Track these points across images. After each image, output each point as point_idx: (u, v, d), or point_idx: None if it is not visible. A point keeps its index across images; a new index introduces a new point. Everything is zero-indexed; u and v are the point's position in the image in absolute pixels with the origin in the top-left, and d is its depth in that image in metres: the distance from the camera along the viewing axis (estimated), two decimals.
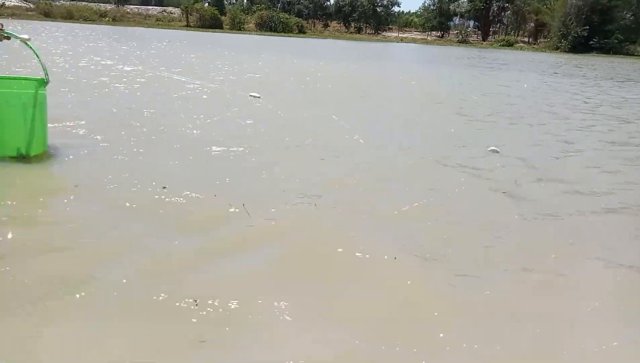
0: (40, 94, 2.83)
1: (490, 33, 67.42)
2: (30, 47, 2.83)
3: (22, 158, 2.74)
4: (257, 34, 53.03)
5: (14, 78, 2.76)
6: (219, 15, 61.64)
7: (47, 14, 48.47)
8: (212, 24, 57.67)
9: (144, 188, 2.44)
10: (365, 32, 73.44)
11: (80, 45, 14.72)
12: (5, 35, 2.80)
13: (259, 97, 3.28)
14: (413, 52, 31.39)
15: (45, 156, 2.85)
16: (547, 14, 57.38)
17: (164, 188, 2.39)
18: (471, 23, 73.30)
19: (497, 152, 4.15)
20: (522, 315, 1.74)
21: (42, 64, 2.85)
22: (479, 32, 68.14)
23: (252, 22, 63.63)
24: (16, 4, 54.57)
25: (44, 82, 2.84)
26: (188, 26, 56.56)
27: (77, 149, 3.04)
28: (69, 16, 49.58)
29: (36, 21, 39.97)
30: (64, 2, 62.94)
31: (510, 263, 2.12)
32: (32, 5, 53.94)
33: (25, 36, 2.76)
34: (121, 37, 22.06)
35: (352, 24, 75.24)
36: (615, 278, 2.11)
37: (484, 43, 62.65)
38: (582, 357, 1.60)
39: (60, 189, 2.47)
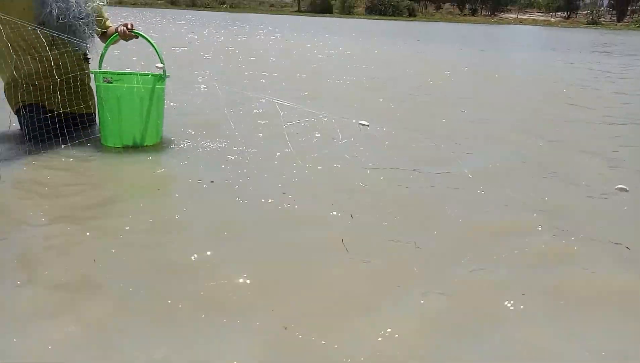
0: (158, 88, 2.86)
1: (628, 12, 59.79)
2: (153, 46, 2.89)
3: (137, 147, 2.80)
4: (366, 18, 52.60)
5: (134, 74, 2.82)
6: (330, 1, 62.22)
7: (173, 2, 52.58)
8: (322, 8, 58.37)
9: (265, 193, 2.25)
10: (481, 14, 69.34)
11: (203, 35, 15.54)
12: (135, 34, 2.87)
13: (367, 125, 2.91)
14: (548, 36, 28.27)
15: (159, 146, 2.89)
16: None
17: (284, 193, 2.21)
18: (605, 1, 65.64)
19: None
20: None
21: (161, 59, 2.87)
22: (614, 11, 60.76)
23: (362, 5, 63.30)
24: None
25: (161, 78, 2.86)
26: (299, 11, 57.80)
27: (192, 142, 3.05)
28: (192, 4, 53.31)
29: (162, 9, 43.48)
30: None
31: None
32: None
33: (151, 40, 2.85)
34: (234, 24, 23.02)
35: (467, 5, 71.39)
36: None
37: (619, 24, 55.73)
38: None
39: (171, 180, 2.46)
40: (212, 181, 2.40)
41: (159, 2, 52.76)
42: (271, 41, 13.34)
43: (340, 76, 6.67)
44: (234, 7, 55.05)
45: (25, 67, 2.75)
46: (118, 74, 2.78)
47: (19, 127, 2.90)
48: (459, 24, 49.02)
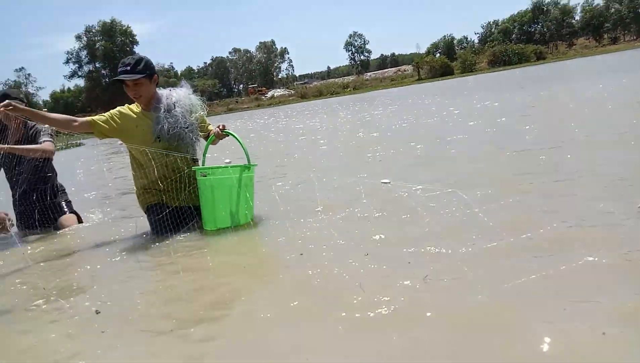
0: (246, 176, 3.32)
1: None
2: (240, 142, 3.36)
3: (230, 227, 3.23)
4: (489, 72, 51.40)
5: (225, 166, 3.34)
6: (449, 63, 62.45)
7: (303, 96, 57.84)
8: (442, 72, 58.73)
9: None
10: (623, 41, 62.92)
11: (304, 120, 16.78)
12: (226, 133, 3.40)
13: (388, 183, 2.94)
14: None
15: (251, 225, 3.28)
16: None
17: (366, 254, 2.39)
18: None
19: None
20: None
21: (245, 151, 3.36)
22: None
23: (484, 60, 62.26)
24: (281, 93, 67.20)
25: (247, 167, 3.32)
26: (420, 80, 58.89)
27: (280, 220, 3.37)
28: (319, 94, 58.01)
29: (294, 104, 47.99)
30: (316, 83, 74.25)
31: None
32: (292, 92, 65.46)
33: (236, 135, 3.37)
34: (352, 105, 24.28)
35: (605, 35, 65.60)
36: None
37: None
38: None
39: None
40: (301, 254, 2.57)
41: (290, 98, 58.59)
42: (389, 115, 13.76)
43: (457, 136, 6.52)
44: (357, 89, 58.43)
45: (149, 176, 3.43)
46: (212, 168, 3.31)
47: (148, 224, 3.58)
48: (599, 55, 45.00)
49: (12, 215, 3.99)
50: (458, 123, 8.26)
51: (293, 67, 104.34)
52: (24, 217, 3.99)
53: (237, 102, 63.15)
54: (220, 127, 3.41)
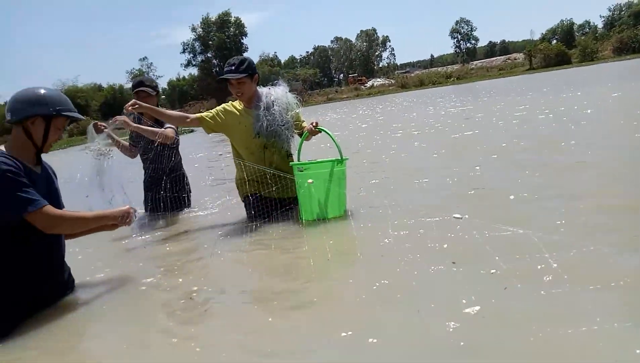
0: (338, 170, 3.44)
1: None
2: (332, 138, 3.52)
3: (322, 219, 3.41)
4: (613, 61, 46.29)
5: (320, 161, 3.49)
6: (566, 50, 57.25)
7: (404, 86, 56.73)
8: (558, 61, 53.98)
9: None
10: None
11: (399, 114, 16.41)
12: (319, 130, 3.58)
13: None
14: None
15: (342, 218, 3.44)
16: None
17: (453, 262, 2.39)
18: None
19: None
20: None
21: (337, 146, 3.47)
22: None
23: (608, 48, 56.18)
24: (381, 82, 66.57)
25: (340, 161, 3.44)
26: (531, 69, 54.79)
27: (372, 216, 3.43)
28: (420, 83, 56.50)
29: (394, 94, 47.28)
30: (417, 73, 72.45)
31: None
32: (392, 81, 64.53)
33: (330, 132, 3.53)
34: (454, 97, 23.33)
35: None
36: None
37: None
38: None
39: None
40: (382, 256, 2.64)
41: (390, 88, 57.83)
42: (497, 108, 13.10)
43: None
44: (460, 79, 55.95)
45: (248, 168, 3.70)
46: (307, 163, 3.50)
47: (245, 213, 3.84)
48: None
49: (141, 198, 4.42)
50: (580, 121, 7.56)
51: (394, 56, 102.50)
52: (148, 200, 4.37)
53: (336, 91, 63.83)
54: (314, 124, 3.58)
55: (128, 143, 4.41)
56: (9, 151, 2.29)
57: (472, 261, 2.32)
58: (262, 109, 3.63)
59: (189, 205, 4.53)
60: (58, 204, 2.48)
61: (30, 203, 2.19)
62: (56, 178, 2.60)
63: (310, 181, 3.38)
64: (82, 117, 2.64)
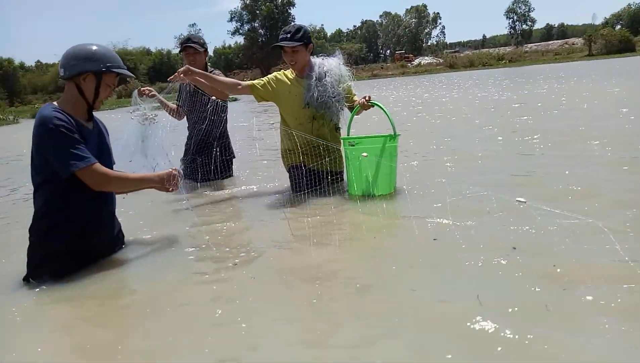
0: (390, 146, 3.32)
1: None
2: (386, 113, 3.37)
3: (370, 196, 3.32)
4: None
5: (371, 136, 3.39)
6: (631, 37, 53.73)
7: (452, 66, 54.94)
8: (620, 48, 50.78)
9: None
10: None
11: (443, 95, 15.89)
12: (372, 104, 3.46)
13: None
14: None
15: (391, 195, 3.35)
16: None
17: (514, 248, 2.25)
18: None
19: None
20: None
21: (391, 121, 3.35)
22: None
23: None
24: (429, 61, 64.76)
25: (392, 137, 3.32)
26: (590, 55, 51.87)
27: (425, 195, 3.31)
28: (470, 64, 54.55)
29: (441, 73, 45.97)
30: (467, 53, 69.99)
31: None
32: (440, 60, 62.64)
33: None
34: (504, 80, 22.45)
35: None
36: None
37: None
38: None
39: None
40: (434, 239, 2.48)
41: (437, 67, 56.19)
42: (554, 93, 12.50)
43: None
44: (513, 62, 53.64)
45: (295, 138, 3.61)
46: (359, 138, 3.41)
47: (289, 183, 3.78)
48: None
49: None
50: None
51: (445, 34, 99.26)
52: (198, 165, 4.19)
53: (382, 68, 62.62)
54: (367, 98, 3.47)
55: (175, 105, 4.37)
56: (62, 107, 2.31)
57: (533, 251, 2.16)
58: (313, 79, 3.54)
59: (231, 172, 4.52)
60: (109, 160, 2.49)
61: (80, 159, 2.21)
62: (108, 135, 2.61)
63: (364, 154, 3.28)
64: (131, 74, 2.62)
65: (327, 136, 3.64)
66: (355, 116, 3.57)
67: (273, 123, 7.43)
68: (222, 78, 3.75)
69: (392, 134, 3.33)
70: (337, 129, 3.73)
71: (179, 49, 4.32)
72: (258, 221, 3.16)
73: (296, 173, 3.64)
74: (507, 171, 4.04)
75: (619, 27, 67.25)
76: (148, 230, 3.03)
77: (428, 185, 3.56)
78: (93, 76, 2.31)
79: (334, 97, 3.54)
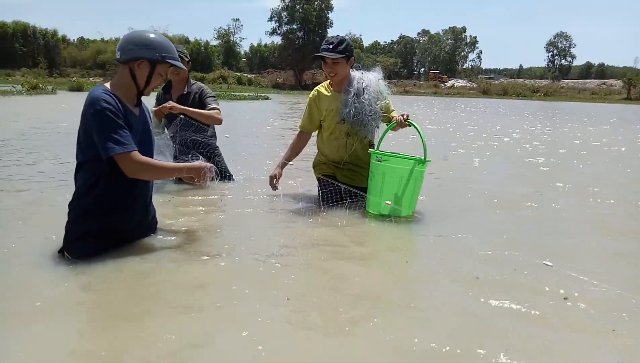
0: (417, 170, 3.28)
1: None
2: (421, 135, 3.31)
3: (390, 216, 3.30)
4: None
5: (401, 156, 3.35)
6: None
7: (485, 92, 54.43)
8: None
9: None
10: None
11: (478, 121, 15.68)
12: (409, 123, 3.41)
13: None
14: None
15: (411, 219, 3.33)
16: None
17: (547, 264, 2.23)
18: None
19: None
20: None
21: (424, 145, 3.30)
22: None
23: None
24: (462, 84, 64.25)
25: (422, 161, 3.30)
26: (628, 99, 50.78)
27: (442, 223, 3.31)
28: (503, 93, 53.94)
29: (473, 98, 45.55)
30: (502, 81, 69.23)
31: None
32: (474, 85, 62.09)
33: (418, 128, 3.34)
34: (537, 113, 22.08)
35: None
36: None
37: None
38: None
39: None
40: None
41: (470, 91, 55.69)
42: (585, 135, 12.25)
43: None
44: (547, 96, 52.87)
45: (328, 150, 3.71)
46: (388, 154, 3.38)
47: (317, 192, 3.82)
48: None
49: None
50: None
51: (481, 59, 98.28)
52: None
53: (414, 85, 62.39)
54: (405, 116, 3.43)
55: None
56: (113, 89, 2.37)
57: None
58: (351, 95, 3.52)
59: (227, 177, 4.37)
60: (150, 148, 2.57)
61: (119, 144, 2.27)
62: (152, 122, 2.69)
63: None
64: (183, 66, 2.69)
65: (360, 152, 3.66)
66: (390, 131, 3.55)
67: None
68: (204, 113, 3.97)
69: (423, 158, 3.28)
70: (372, 145, 3.73)
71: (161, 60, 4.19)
72: (275, 226, 3.18)
73: (326, 183, 3.66)
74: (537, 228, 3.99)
75: None
76: (183, 222, 3.13)
77: (447, 214, 3.54)
78: (148, 63, 2.38)
79: (371, 115, 3.53)
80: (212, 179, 2.62)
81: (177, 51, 3.76)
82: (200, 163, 2.59)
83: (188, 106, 3.94)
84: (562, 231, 3.38)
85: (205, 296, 2.08)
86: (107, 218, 2.41)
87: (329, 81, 3.68)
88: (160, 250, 2.56)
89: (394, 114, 3.59)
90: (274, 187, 3.67)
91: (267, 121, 11.99)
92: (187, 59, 4.10)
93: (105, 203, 2.39)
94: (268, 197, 3.90)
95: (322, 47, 3.50)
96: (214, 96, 4.21)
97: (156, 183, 2.79)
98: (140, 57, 2.36)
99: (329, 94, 3.64)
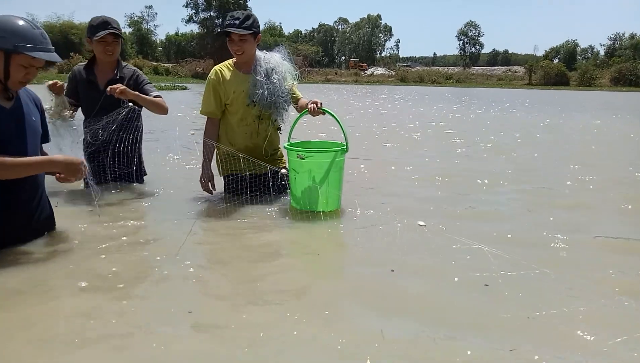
0: (339, 160, 3.25)
1: None
2: (339, 123, 3.23)
3: (316, 212, 3.19)
4: (609, 90, 46.92)
5: (322, 150, 3.27)
6: (566, 72, 57.74)
7: (403, 80, 56.61)
8: (557, 81, 54.47)
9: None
10: None
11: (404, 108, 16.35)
12: (322, 111, 3.24)
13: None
14: None
15: (337, 213, 3.26)
16: None
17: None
18: None
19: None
20: None
21: (344, 135, 3.23)
22: None
23: (606, 76, 56.80)
24: (381, 72, 66.15)
25: (343, 151, 3.27)
26: (530, 84, 55.18)
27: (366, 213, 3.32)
28: (420, 80, 56.39)
29: (392, 85, 47.12)
30: (418, 68, 72.19)
31: None
32: (392, 73, 64.18)
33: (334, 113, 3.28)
34: (452, 98, 23.32)
35: None
36: None
37: None
38: None
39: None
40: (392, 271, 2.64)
41: (389, 79, 57.55)
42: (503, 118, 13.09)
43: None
44: (460, 82, 56.01)
45: (239, 137, 3.41)
46: (309, 150, 3.20)
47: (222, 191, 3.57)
48: None
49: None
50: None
51: (398, 48, 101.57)
52: (100, 169, 3.53)
53: (336, 73, 63.15)
54: (318, 104, 3.22)
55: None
56: None
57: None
58: (262, 75, 3.29)
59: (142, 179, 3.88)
60: (32, 139, 2.33)
61: None
62: (40, 111, 2.46)
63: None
64: (54, 59, 2.22)
65: (272, 136, 3.48)
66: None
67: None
68: (155, 101, 3.47)
69: (344, 147, 3.22)
70: (279, 130, 3.58)
71: (89, 29, 3.38)
72: (190, 232, 2.84)
73: (234, 181, 3.45)
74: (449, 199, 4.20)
75: (556, 60, 71.80)
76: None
77: (371, 206, 3.55)
78: (2, 53, 2.09)
79: (283, 96, 3.35)
80: (86, 181, 2.38)
81: (106, 21, 3.33)
82: (75, 157, 2.28)
83: None
84: None
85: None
86: None
87: (232, 60, 3.41)
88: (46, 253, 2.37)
89: (302, 100, 3.41)
90: (210, 191, 3.40)
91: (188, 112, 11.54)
92: (118, 33, 3.39)
93: None
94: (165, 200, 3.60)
95: (227, 22, 3.20)
96: (150, 83, 3.65)
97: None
98: None
99: (235, 75, 3.35)
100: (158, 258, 2.42)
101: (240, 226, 3.00)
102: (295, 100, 3.45)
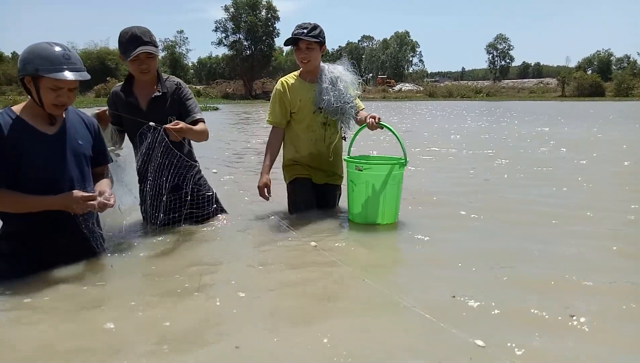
0: (397, 174, 3.20)
1: None
2: (397, 137, 3.22)
3: (377, 224, 3.18)
4: None
5: (380, 163, 3.27)
6: (601, 82, 56.19)
7: (431, 95, 56.26)
8: (591, 92, 53.03)
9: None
10: None
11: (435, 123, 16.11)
12: (381, 126, 3.20)
13: None
14: None
15: (395, 226, 3.21)
16: None
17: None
18: None
19: None
20: None
21: (403, 147, 3.20)
22: None
23: None
24: (409, 88, 66.00)
25: (402, 164, 3.22)
26: (563, 96, 53.92)
27: (428, 226, 3.25)
28: (449, 95, 55.93)
29: (420, 101, 46.87)
30: (447, 83, 71.73)
31: None
32: (420, 88, 63.96)
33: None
34: (482, 113, 22.94)
35: None
36: None
37: None
38: None
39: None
40: None
41: (417, 95, 57.29)
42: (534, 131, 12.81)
43: None
44: (490, 96, 55.25)
45: (304, 144, 3.43)
46: (367, 163, 3.20)
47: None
48: None
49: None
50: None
51: (423, 63, 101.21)
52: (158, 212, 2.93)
53: (364, 90, 63.17)
54: (376, 119, 3.20)
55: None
56: (24, 110, 2.22)
57: None
58: (327, 83, 3.32)
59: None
60: (74, 163, 2.31)
61: None
62: (93, 134, 2.45)
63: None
64: (74, 78, 2.13)
65: (337, 144, 3.46)
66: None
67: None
68: (203, 131, 3.07)
69: (403, 160, 3.19)
70: (343, 138, 3.53)
71: (122, 46, 2.85)
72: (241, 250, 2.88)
73: (299, 186, 3.45)
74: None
75: (590, 71, 70.09)
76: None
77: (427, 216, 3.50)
78: (31, 79, 2.14)
79: (349, 103, 3.34)
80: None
81: (136, 35, 2.79)
82: (76, 192, 2.22)
83: (165, 110, 2.94)
84: None
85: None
86: (12, 240, 2.28)
87: (297, 72, 3.46)
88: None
89: (362, 113, 3.40)
90: (266, 197, 3.37)
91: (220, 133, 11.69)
92: (155, 47, 2.87)
93: (7, 226, 2.28)
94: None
95: (295, 31, 3.24)
96: (193, 97, 3.18)
97: None
98: (24, 74, 2.13)
99: (300, 84, 3.39)
100: None
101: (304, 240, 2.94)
102: (356, 112, 3.43)
